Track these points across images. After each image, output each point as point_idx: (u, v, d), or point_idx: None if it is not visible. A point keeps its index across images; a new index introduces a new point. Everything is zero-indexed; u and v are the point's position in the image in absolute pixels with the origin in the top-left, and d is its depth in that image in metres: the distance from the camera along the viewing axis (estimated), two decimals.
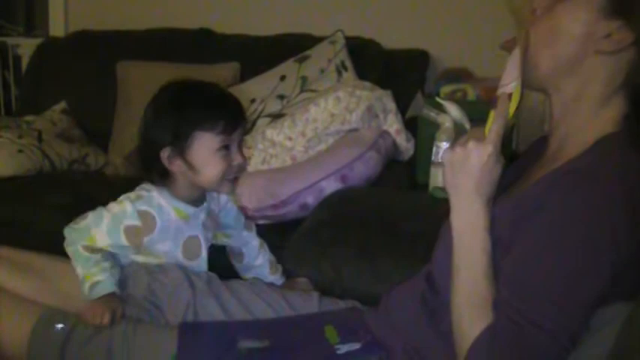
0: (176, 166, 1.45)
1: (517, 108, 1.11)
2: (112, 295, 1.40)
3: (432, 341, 1.19)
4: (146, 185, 1.51)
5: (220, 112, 1.44)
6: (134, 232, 1.45)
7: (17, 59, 3.73)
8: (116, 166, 2.75)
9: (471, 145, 1.07)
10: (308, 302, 1.49)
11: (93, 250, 1.44)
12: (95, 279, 1.42)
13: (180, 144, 1.43)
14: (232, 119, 1.45)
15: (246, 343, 1.29)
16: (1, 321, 1.37)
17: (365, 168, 2.16)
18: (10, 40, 3.82)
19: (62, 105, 2.99)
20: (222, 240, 1.70)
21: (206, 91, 1.51)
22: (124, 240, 1.45)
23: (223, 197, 1.63)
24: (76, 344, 1.32)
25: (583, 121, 1.11)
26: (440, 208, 1.18)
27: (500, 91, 1.12)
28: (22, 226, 2.22)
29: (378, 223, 1.82)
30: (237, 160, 1.47)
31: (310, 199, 2.06)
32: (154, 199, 1.48)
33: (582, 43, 1.07)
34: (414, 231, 1.71)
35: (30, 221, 2.22)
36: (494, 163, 1.07)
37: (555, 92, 1.13)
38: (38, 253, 1.53)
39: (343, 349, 1.27)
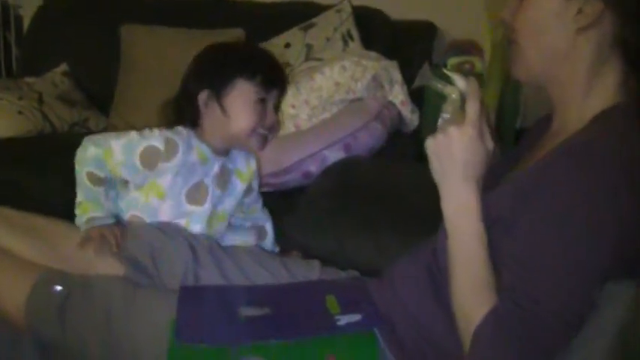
0: (210, 110, 1.49)
1: (488, 88, 1.13)
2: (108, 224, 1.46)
3: (435, 311, 1.18)
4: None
5: (262, 65, 1.51)
6: (154, 153, 1.46)
7: (18, 20, 3.69)
8: (117, 130, 2.73)
9: (451, 130, 1.07)
10: (309, 271, 1.48)
11: (96, 180, 1.47)
12: (92, 214, 1.46)
13: (220, 88, 1.48)
14: (272, 74, 1.51)
15: (246, 311, 1.28)
16: (0, 280, 1.36)
17: (369, 138, 2.15)
18: (11, 0, 3.78)
19: (63, 67, 2.96)
20: (247, 217, 1.69)
21: (251, 46, 1.66)
22: (137, 161, 1.45)
23: (243, 163, 1.61)
24: (75, 306, 1.32)
25: (579, 97, 1.11)
26: None
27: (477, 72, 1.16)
28: (21, 188, 2.20)
29: (382, 194, 1.81)
30: (270, 117, 1.50)
31: (313, 168, 2.05)
32: (183, 134, 1.50)
33: (562, 29, 1.08)
34: (418, 203, 1.69)
35: (29, 183, 2.21)
36: (477, 144, 1.07)
37: (551, 80, 1.14)
38: (38, 214, 1.52)
39: (343, 320, 1.25)
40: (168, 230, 1.47)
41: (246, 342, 1.20)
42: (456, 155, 1.07)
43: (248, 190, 1.64)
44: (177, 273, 1.39)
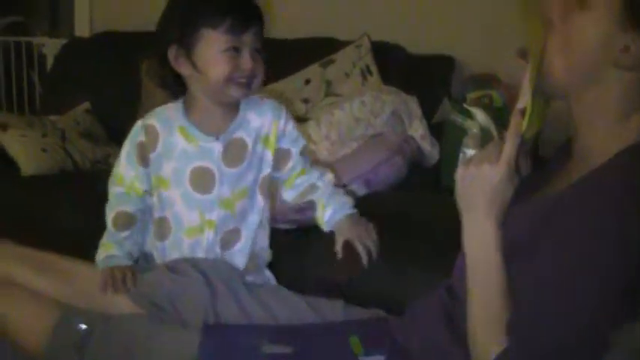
0: (183, 67, 1.39)
1: (530, 123, 1.09)
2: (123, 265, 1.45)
3: (452, 350, 1.16)
4: (172, 103, 1.47)
5: (228, 9, 1.35)
6: (142, 149, 1.44)
7: (42, 58, 3.76)
8: None
9: (485, 167, 1.06)
10: (333, 310, 1.46)
11: (120, 224, 1.47)
12: (111, 252, 1.46)
13: (186, 42, 1.36)
14: (241, 18, 1.35)
15: (269, 349, 1.27)
16: (22, 315, 1.38)
17: (390, 172, 2.15)
18: (35, 40, 3.85)
19: (86, 105, 3.00)
20: (291, 188, 1.57)
21: None
22: (139, 167, 1.45)
23: (269, 126, 1.48)
24: (97, 343, 1.32)
25: (604, 134, 1.07)
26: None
27: (517, 107, 1.11)
28: (44, 225, 2.22)
29: (404, 229, 1.80)
30: (246, 64, 1.36)
31: None
32: (164, 113, 1.45)
33: (599, 56, 1.02)
34: (441, 237, 1.68)
35: (52, 220, 2.22)
36: (507, 184, 1.06)
37: (574, 101, 1.10)
38: (59, 254, 1.53)
39: None
40: (182, 269, 1.44)
41: None
42: (485, 192, 1.06)
43: (280, 155, 1.52)
44: (198, 312, 1.38)
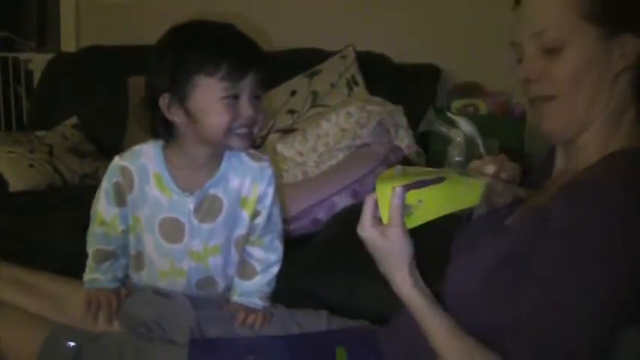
0: (177, 116, 1.30)
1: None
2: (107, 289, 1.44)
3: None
4: (152, 141, 1.39)
5: (224, 54, 1.26)
6: (119, 189, 1.40)
7: (29, 74, 3.75)
8: None
9: (383, 230, 1.09)
10: (317, 322, 1.46)
11: (101, 258, 1.46)
12: (95, 275, 1.45)
13: (180, 90, 1.27)
14: (239, 64, 1.26)
15: None
16: (11, 334, 1.38)
17: None
18: (22, 55, 3.85)
19: (73, 120, 3.00)
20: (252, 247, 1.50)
21: (212, 30, 1.32)
22: (115, 206, 1.41)
23: (249, 188, 1.42)
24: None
25: (598, 142, 1.09)
26: (452, 224, 1.17)
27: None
28: (32, 241, 2.21)
29: None
30: (245, 111, 1.28)
31: (322, 215, 2.05)
32: (140, 158, 1.38)
33: (604, 75, 1.05)
34: (427, 248, 1.68)
35: (40, 236, 2.22)
36: (405, 241, 1.09)
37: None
38: (48, 274, 1.53)
39: None
40: (167, 292, 1.45)
41: None
42: (388, 253, 1.10)
43: (253, 217, 1.45)
44: (184, 332, 1.37)
